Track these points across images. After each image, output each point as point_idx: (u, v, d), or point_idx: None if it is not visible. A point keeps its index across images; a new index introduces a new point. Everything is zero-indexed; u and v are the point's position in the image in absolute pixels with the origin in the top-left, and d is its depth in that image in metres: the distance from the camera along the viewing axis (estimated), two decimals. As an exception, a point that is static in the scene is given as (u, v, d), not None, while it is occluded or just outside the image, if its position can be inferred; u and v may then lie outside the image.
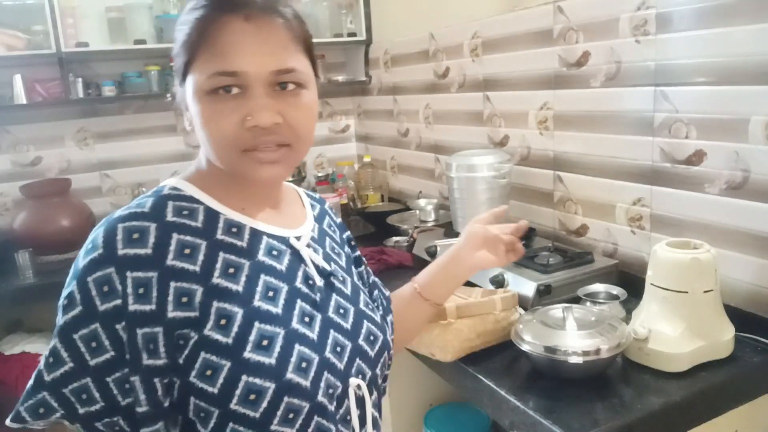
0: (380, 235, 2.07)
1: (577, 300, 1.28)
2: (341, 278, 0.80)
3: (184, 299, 0.63)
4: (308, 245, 0.77)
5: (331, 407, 0.70)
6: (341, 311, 0.76)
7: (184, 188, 0.71)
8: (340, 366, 0.72)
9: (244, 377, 0.63)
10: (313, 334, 0.70)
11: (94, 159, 2.50)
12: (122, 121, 2.52)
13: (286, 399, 0.65)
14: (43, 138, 2.41)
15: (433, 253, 1.66)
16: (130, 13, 2.34)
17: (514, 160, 1.78)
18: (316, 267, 0.76)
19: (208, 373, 0.63)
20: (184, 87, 0.69)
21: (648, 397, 0.99)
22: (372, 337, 0.78)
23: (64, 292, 0.64)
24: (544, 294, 1.33)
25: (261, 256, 0.71)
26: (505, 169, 1.69)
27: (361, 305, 0.80)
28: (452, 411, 1.69)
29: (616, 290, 1.29)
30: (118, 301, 0.61)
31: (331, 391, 0.70)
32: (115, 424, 0.64)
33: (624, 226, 1.47)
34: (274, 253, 0.72)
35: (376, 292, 0.95)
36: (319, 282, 0.75)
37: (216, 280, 0.66)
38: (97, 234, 0.64)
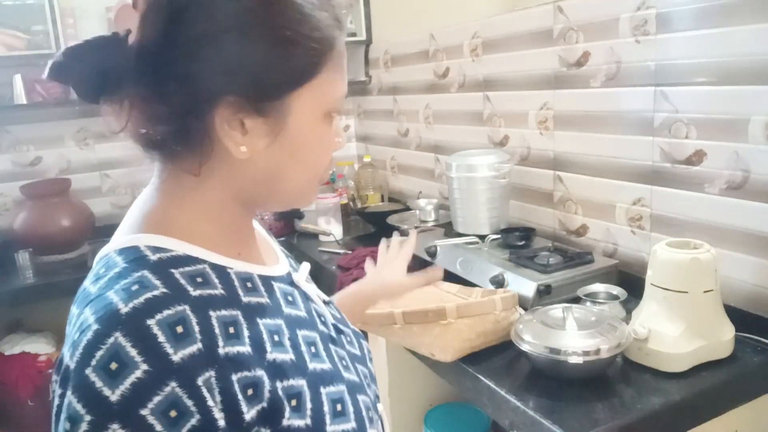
0: (380, 235, 2.06)
1: (577, 300, 1.28)
2: (330, 301, 0.74)
3: (251, 391, 0.49)
4: (306, 279, 0.69)
5: None
6: (348, 339, 0.70)
7: (168, 246, 0.54)
8: (372, 397, 0.67)
9: None
10: (356, 377, 0.64)
11: (94, 159, 2.50)
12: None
13: None
14: (43, 138, 2.41)
15: (433, 253, 1.66)
16: (130, 13, 2.33)
17: (514, 160, 1.78)
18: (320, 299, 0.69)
19: None
20: (281, 100, 0.54)
21: (648, 397, 0.99)
22: (371, 355, 0.74)
23: None
24: (544, 294, 1.33)
25: (285, 309, 0.60)
26: (505, 169, 1.69)
27: (350, 324, 0.74)
28: (452, 411, 1.69)
29: (616, 290, 1.29)
30: (194, 421, 0.46)
31: (378, 426, 0.67)
32: None
33: (624, 226, 1.47)
34: (290, 299, 0.62)
35: None
36: (330, 318, 0.67)
37: (271, 355, 0.53)
38: (117, 346, 0.45)
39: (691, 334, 1.06)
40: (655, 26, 1.31)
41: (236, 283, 0.56)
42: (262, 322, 0.55)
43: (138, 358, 0.45)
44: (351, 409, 0.58)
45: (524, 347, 1.07)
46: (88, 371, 0.45)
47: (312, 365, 0.57)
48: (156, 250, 0.53)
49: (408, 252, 1.15)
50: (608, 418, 0.94)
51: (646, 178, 1.39)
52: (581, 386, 1.03)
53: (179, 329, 0.47)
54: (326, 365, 0.59)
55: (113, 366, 0.44)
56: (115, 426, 0.43)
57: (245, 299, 0.55)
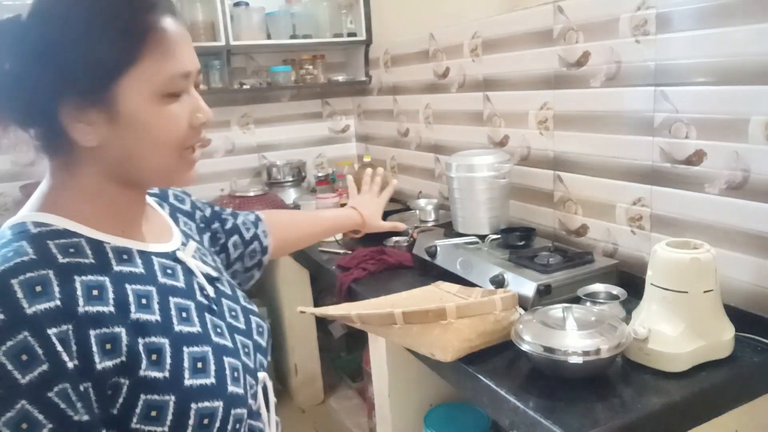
0: (380, 235, 2.06)
1: (577, 300, 1.28)
2: (220, 279, 0.80)
3: (108, 345, 0.57)
4: (193, 256, 0.76)
5: (255, 407, 0.74)
6: (233, 313, 0.77)
7: (51, 222, 0.62)
8: (252, 365, 0.75)
9: (193, 405, 0.61)
10: (230, 343, 0.71)
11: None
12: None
13: (233, 412, 0.66)
14: (43, 138, 2.41)
15: (433, 253, 1.66)
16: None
17: (514, 160, 1.78)
18: (204, 275, 0.75)
19: (154, 414, 0.59)
20: (107, 91, 0.60)
21: (648, 397, 0.99)
22: (260, 329, 0.81)
23: None
24: (544, 294, 1.33)
25: (161, 279, 0.68)
26: (505, 169, 1.69)
27: (242, 301, 0.82)
28: (452, 411, 1.69)
29: (616, 290, 1.29)
30: (45, 367, 0.53)
31: (252, 391, 0.73)
32: None
33: (624, 226, 1.47)
34: (169, 271, 0.70)
35: (250, 232, 1.01)
36: (212, 291, 0.75)
37: (134, 315, 0.61)
38: None
39: (691, 334, 1.06)
40: (655, 26, 1.31)
41: (110, 255, 0.64)
42: (131, 288, 0.63)
43: None
44: (213, 367, 0.65)
45: (524, 347, 1.07)
46: None
47: (179, 327, 0.65)
48: (39, 225, 0.62)
49: (386, 197, 1.42)
50: (608, 418, 0.94)
51: (646, 178, 1.39)
52: (581, 386, 1.03)
53: (38, 288, 0.55)
54: (194, 329, 0.67)
55: None
56: None
57: (117, 268, 0.63)
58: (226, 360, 0.68)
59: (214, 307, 0.73)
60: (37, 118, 0.62)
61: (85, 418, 0.55)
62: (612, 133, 1.46)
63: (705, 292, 1.07)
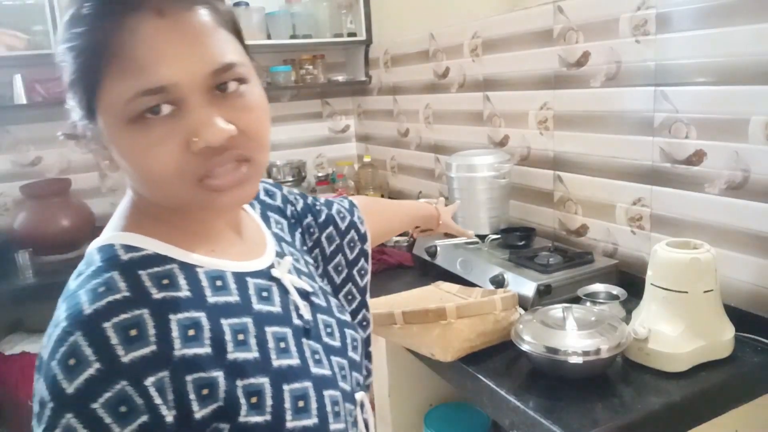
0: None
1: (577, 300, 1.28)
2: (315, 292, 0.72)
3: (205, 391, 0.52)
4: (288, 270, 0.68)
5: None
6: (329, 330, 0.70)
7: (140, 244, 0.57)
8: (348, 389, 0.68)
9: None
10: (328, 371, 0.65)
11: (94, 159, 2.50)
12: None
13: None
14: (43, 138, 2.41)
15: (433, 253, 1.66)
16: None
17: (514, 160, 1.78)
18: (298, 291, 0.68)
19: None
20: (93, 121, 0.54)
21: (648, 397, 0.99)
22: (354, 343, 0.74)
23: (53, 428, 0.47)
24: (544, 294, 1.33)
25: (256, 305, 0.61)
26: (505, 169, 1.69)
27: (336, 313, 0.74)
28: (452, 411, 1.69)
29: (616, 290, 1.29)
30: (145, 418, 0.48)
31: (352, 419, 0.67)
32: None
33: (624, 226, 1.47)
34: (264, 294, 0.63)
35: (345, 221, 0.92)
36: (306, 311, 0.67)
37: (231, 355, 0.55)
38: (74, 343, 0.49)
39: (691, 334, 1.06)
40: (655, 26, 1.31)
41: (204, 282, 0.57)
42: (227, 322, 0.56)
43: (92, 357, 0.48)
44: (314, 405, 0.59)
45: (524, 347, 1.07)
46: (53, 363, 0.49)
47: (277, 362, 0.59)
48: (129, 249, 0.56)
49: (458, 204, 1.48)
50: (608, 418, 0.94)
51: (646, 178, 1.39)
52: (581, 386, 1.03)
53: (133, 332, 0.50)
54: (294, 361, 0.61)
55: (71, 362, 0.48)
56: (69, 415, 0.47)
57: (211, 300, 0.57)
58: (327, 394, 0.62)
59: (310, 329, 0.67)
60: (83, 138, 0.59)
61: None
62: (612, 133, 1.46)
63: (705, 292, 1.07)
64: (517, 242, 1.60)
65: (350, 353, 0.72)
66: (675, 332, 1.06)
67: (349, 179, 2.69)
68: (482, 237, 1.63)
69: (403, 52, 2.38)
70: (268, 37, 2.50)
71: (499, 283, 1.40)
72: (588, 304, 1.25)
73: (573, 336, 1.05)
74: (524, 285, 1.34)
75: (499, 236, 1.63)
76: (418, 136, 2.37)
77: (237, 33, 0.58)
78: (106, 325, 0.49)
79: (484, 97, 1.93)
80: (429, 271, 1.67)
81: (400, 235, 1.92)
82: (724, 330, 1.10)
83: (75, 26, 0.52)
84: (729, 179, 1.21)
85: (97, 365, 0.48)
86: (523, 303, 1.30)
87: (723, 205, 1.22)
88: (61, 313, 0.52)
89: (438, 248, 1.66)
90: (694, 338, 1.06)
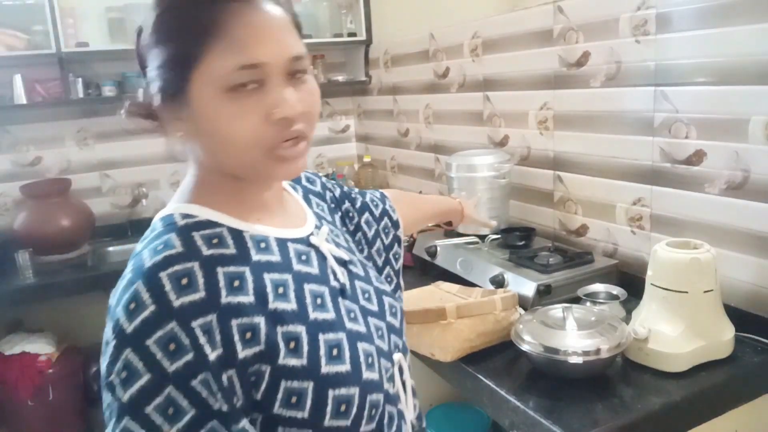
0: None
1: (577, 300, 1.28)
2: (352, 261, 0.79)
3: (248, 335, 0.59)
4: (326, 239, 0.76)
5: (393, 390, 0.72)
6: (366, 295, 0.76)
7: (196, 213, 0.66)
8: (386, 348, 0.74)
9: (330, 392, 0.63)
10: (363, 328, 0.71)
11: (94, 159, 2.50)
12: (122, 121, 2.51)
13: (368, 398, 0.66)
14: (43, 138, 2.41)
15: (433, 253, 1.66)
16: (130, 13, 2.34)
17: (514, 160, 1.78)
18: (335, 258, 0.75)
19: (294, 400, 0.61)
20: (182, 95, 0.63)
21: (648, 397, 0.99)
22: (393, 309, 0.80)
23: (113, 366, 0.56)
24: (544, 294, 1.33)
25: (296, 266, 0.69)
26: (505, 169, 1.69)
27: (375, 282, 0.80)
28: (452, 411, 1.69)
29: (616, 290, 1.29)
30: (190, 356, 0.56)
31: (388, 375, 0.72)
32: None
33: (624, 226, 1.47)
34: (303, 258, 0.70)
35: (379, 208, 1.00)
36: (343, 275, 0.74)
37: (272, 305, 0.63)
38: (135, 290, 0.58)
39: (691, 334, 1.06)
40: (655, 26, 1.31)
41: (249, 244, 0.66)
42: (269, 277, 0.64)
43: (148, 302, 0.57)
44: (347, 354, 0.66)
45: (524, 347, 1.07)
46: (118, 309, 0.58)
47: (314, 315, 0.66)
48: (185, 216, 0.65)
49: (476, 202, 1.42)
50: (608, 418, 0.94)
51: (646, 178, 1.39)
52: (581, 386, 1.03)
53: (184, 281, 0.58)
54: (329, 315, 0.67)
55: (132, 306, 0.57)
56: (128, 350, 0.56)
57: (255, 258, 0.65)
58: (360, 345, 0.68)
59: (346, 291, 0.73)
60: (155, 115, 0.67)
61: (225, 407, 0.57)
62: (612, 133, 1.46)
63: (705, 292, 1.07)
64: (517, 242, 1.60)
65: (388, 318, 0.77)
66: (675, 332, 1.06)
67: (349, 179, 2.69)
68: (482, 237, 1.63)
69: (403, 52, 2.38)
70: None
71: (499, 283, 1.40)
72: (588, 304, 1.25)
73: (573, 336, 1.05)
74: (524, 285, 1.34)
75: (499, 236, 1.63)
76: (418, 136, 2.37)
77: (300, 33, 0.68)
78: (162, 275, 0.58)
79: (484, 97, 1.93)
80: (429, 271, 1.67)
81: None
82: (724, 330, 1.10)
83: (178, 10, 0.62)
84: (729, 179, 1.21)
85: (151, 308, 0.56)
86: (523, 303, 1.30)
87: (723, 205, 1.22)
88: (128, 269, 0.61)
89: (438, 248, 1.66)
90: (694, 338, 1.06)
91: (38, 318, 2.31)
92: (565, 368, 1.04)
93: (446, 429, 1.63)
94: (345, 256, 0.77)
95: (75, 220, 2.25)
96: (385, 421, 0.69)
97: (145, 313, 0.56)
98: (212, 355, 0.57)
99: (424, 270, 1.71)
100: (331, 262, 0.73)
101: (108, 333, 0.58)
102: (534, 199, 1.76)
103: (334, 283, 0.72)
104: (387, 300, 0.80)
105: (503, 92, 1.84)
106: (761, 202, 1.16)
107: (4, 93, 2.23)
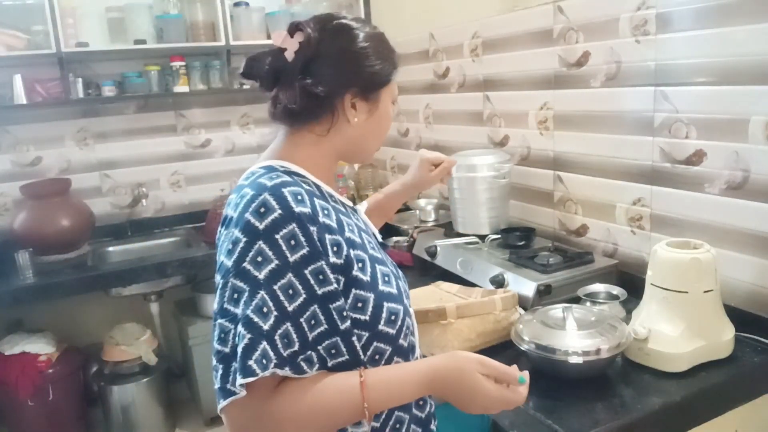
0: (380, 235, 2.07)
1: (577, 300, 1.28)
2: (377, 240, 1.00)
3: (335, 248, 0.79)
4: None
5: (413, 337, 0.94)
6: (387, 261, 0.96)
7: (289, 167, 0.86)
8: (411, 309, 0.94)
9: (385, 304, 0.83)
10: (396, 271, 0.94)
11: (94, 159, 2.50)
12: (122, 121, 2.52)
13: (407, 319, 0.88)
14: (43, 138, 2.41)
15: (433, 253, 1.66)
16: (130, 13, 2.34)
17: (514, 160, 1.78)
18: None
19: (359, 305, 0.81)
20: (374, 96, 0.90)
21: (648, 397, 0.99)
22: (406, 293, 0.96)
23: (246, 255, 0.75)
24: (544, 294, 1.33)
25: (353, 219, 0.90)
26: (505, 169, 1.69)
27: (389, 266, 0.96)
28: (452, 411, 1.69)
29: (616, 290, 1.29)
30: (305, 251, 0.76)
31: (408, 330, 0.91)
32: (310, 357, 0.76)
33: (624, 226, 1.47)
34: (354, 217, 0.92)
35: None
36: (380, 239, 0.99)
37: (347, 234, 0.83)
38: (264, 199, 0.77)
39: (691, 334, 1.06)
40: (655, 26, 1.31)
41: (326, 193, 0.88)
42: (341, 217, 0.85)
43: (276, 207, 0.77)
44: (394, 282, 0.87)
45: (524, 347, 1.07)
46: (246, 214, 0.77)
47: (370, 252, 0.87)
48: (283, 166, 0.86)
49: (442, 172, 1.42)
50: (608, 418, 0.94)
51: (646, 178, 1.39)
52: (581, 386, 1.03)
53: (299, 197, 0.79)
54: (379, 255, 0.89)
55: (262, 210, 0.77)
56: (260, 242, 0.75)
57: (332, 204, 0.87)
58: (396, 282, 0.89)
59: (379, 257, 0.91)
60: (326, 98, 0.86)
61: (325, 290, 0.77)
62: (612, 133, 1.46)
63: (705, 292, 1.07)
64: (517, 242, 1.60)
65: (404, 301, 0.91)
66: (675, 332, 1.06)
67: (349, 179, 2.68)
68: (482, 237, 1.63)
69: (403, 52, 2.36)
70: (268, 37, 2.50)
71: (499, 283, 1.40)
72: (588, 304, 1.25)
73: (573, 336, 1.05)
74: (524, 285, 1.34)
75: (499, 236, 1.63)
76: (418, 136, 2.37)
77: None
78: (284, 190, 0.78)
79: (484, 97, 1.93)
80: (429, 271, 1.67)
81: (400, 234, 1.92)
82: (724, 330, 1.10)
83: (391, 54, 0.95)
84: (729, 179, 1.21)
85: (279, 211, 0.76)
86: (523, 303, 1.30)
87: (723, 205, 1.22)
88: (247, 191, 0.80)
89: (438, 248, 1.66)
90: (694, 338, 1.06)
91: (38, 318, 2.31)
92: (565, 368, 1.04)
93: (446, 429, 1.63)
94: (377, 231, 1.01)
95: (75, 220, 2.24)
96: (410, 336, 0.90)
97: (274, 215, 0.76)
98: (315, 253, 0.76)
99: (424, 270, 1.71)
100: (374, 230, 0.99)
101: (234, 236, 0.77)
102: (534, 199, 1.76)
103: (373, 239, 0.95)
104: (399, 272, 0.99)
105: (503, 92, 1.84)
106: (761, 202, 1.16)
107: (4, 93, 2.22)
